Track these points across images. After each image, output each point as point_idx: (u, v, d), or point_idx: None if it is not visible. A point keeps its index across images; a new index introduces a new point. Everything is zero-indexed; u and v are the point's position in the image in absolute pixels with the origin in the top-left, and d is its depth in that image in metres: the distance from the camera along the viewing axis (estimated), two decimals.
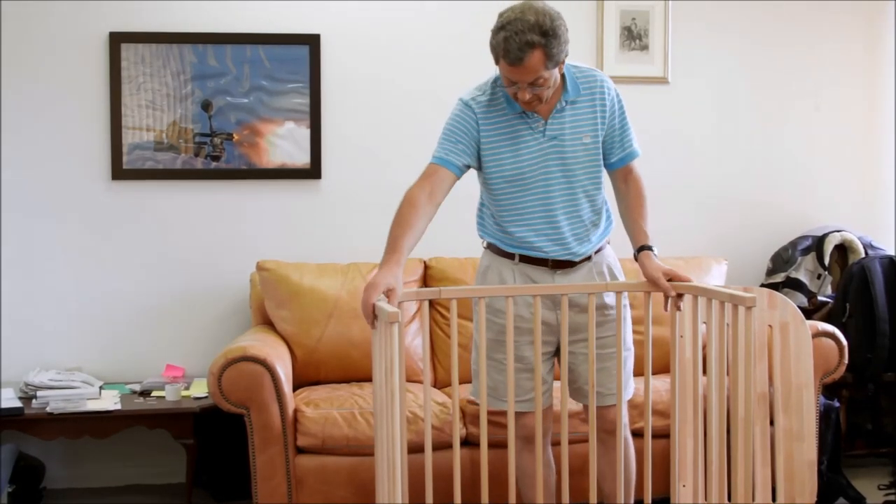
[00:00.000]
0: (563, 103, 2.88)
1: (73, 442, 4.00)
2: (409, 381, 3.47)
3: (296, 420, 3.47)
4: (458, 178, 2.86)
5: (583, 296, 2.93)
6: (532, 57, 2.68)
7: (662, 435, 3.44)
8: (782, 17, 4.63)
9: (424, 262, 4.13)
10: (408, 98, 4.36)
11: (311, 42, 4.27)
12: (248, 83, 4.23)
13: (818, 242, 4.41)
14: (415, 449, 3.08)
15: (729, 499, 2.79)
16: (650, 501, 2.97)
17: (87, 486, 4.18)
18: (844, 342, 3.69)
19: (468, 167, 2.90)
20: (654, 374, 3.42)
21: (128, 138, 4.17)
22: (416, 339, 3.97)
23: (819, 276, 4.40)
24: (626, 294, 2.98)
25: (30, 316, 4.15)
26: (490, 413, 3.22)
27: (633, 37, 4.49)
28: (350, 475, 3.45)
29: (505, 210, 2.93)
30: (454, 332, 2.78)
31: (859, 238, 4.42)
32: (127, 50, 4.15)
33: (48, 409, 3.69)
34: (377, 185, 4.28)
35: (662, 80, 4.54)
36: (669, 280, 2.86)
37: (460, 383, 3.08)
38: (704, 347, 3.07)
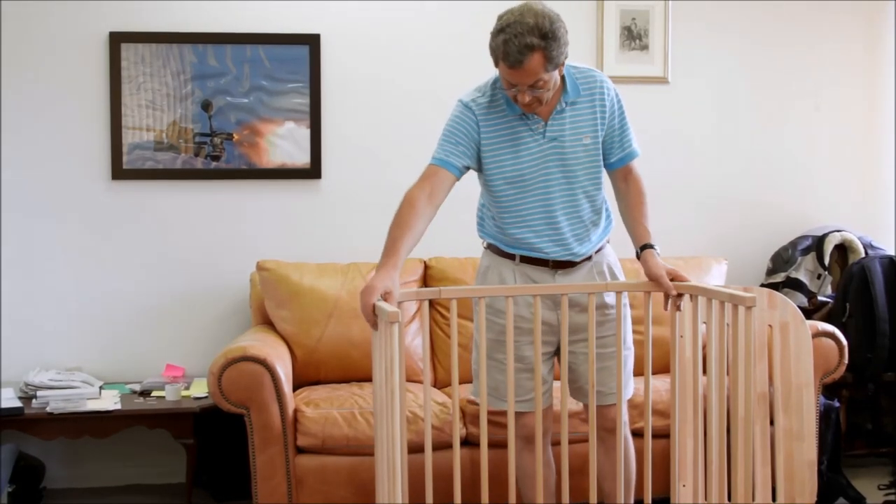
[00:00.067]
0: (563, 104, 2.88)
1: (73, 442, 4.00)
2: (409, 381, 3.47)
3: (296, 420, 3.47)
4: (458, 179, 2.86)
5: (583, 295, 2.94)
6: (532, 60, 2.68)
7: (662, 435, 3.43)
8: (782, 17, 4.63)
9: (424, 262, 4.13)
10: (408, 98, 4.37)
11: (311, 42, 4.27)
12: (248, 83, 4.23)
13: (818, 242, 4.41)
14: (415, 449, 3.08)
15: (729, 499, 2.79)
16: (650, 501, 2.97)
17: (87, 486, 4.18)
18: (844, 342, 3.69)
19: (468, 169, 2.90)
20: (654, 374, 3.42)
21: (128, 138, 4.17)
22: (416, 339, 3.97)
23: (819, 276, 4.40)
24: (626, 293, 2.98)
25: (30, 316, 4.15)
26: (490, 413, 3.22)
27: (633, 37, 4.49)
28: (350, 475, 3.45)
29: (505, 211, 2.93)
30: (454, 332, 2.78)
31: (859, 238, 4.42)
32: (127, 50, 4.15)
33: (48, 409, 3.69)
34: (377, 185, 4.28)
35: (662, 80, 4.54)
36: (671, 280, 2.86)
37: (460, 383, 3.07)
38: (704, 347, 3.08)
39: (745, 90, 4.64)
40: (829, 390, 4.00)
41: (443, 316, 4.03)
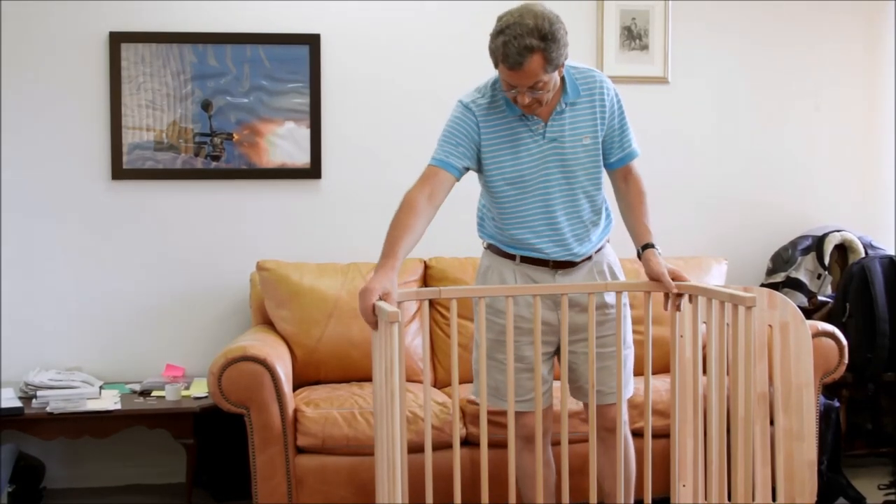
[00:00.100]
0: (563, 105, 2.87)
1: (73, 442, 4.00)
2: (409, 381, 3.47)
3: (296, 420, 3.47)
4: (458, 180, 2.86)
5: (583, 295, 2.94)
6: (531, 61, 2.68)
7: (662, 435, 3.44)
8: (782, 17, 4.63)
9: (424, 262, 4.13)
10: (408, 98, 4.37)
11: (311, 42, 4.27)
12: (248, 83, 4.23)
13: (818, 242, 4.41)
14: (415, 449, 3.08)
15: (729, 499, 2.79)
16: (650, 501, 2.97)
17: (87, 486, 4.18)
18: (844, 342, 3.69)
19: (468, 169, 2.89)
20: (654, 374, 3.42)
21: (128, 138, 4.17)
22: (416, 339, 3.97)
23: (819, 276, 4.40)
24: (626, 293, 2.98)
25: (30, 316, 4.15)
26: (490, 413, 3.22)
27: (633, 37, 4.49)
28: (350, 475, 3.46)
29: (505, 212, 2.93)
30: (454, 332, 2.78)
31: (859, 238, 4.42)
32: (127, 50, 4.15)
33: (48, 409, 3.69)
34: (377, 185, 4.28)
35: (662, 80, 4.54)
36: (672, 279, 2.86)
37: (460, 383, 3.07)
38: (704, 347, 3.07)
39: (745, 90, 4.64)
40: (829, 390, 4.00)
41: (443, 316, 4.03)
